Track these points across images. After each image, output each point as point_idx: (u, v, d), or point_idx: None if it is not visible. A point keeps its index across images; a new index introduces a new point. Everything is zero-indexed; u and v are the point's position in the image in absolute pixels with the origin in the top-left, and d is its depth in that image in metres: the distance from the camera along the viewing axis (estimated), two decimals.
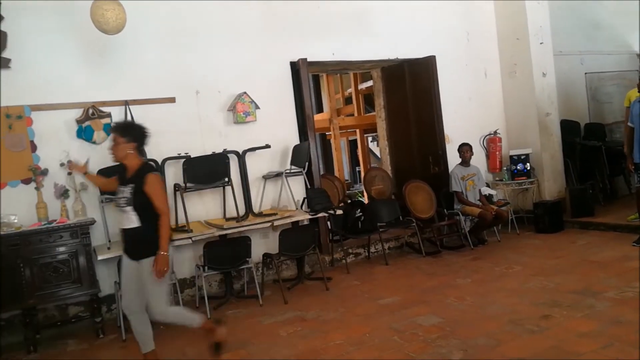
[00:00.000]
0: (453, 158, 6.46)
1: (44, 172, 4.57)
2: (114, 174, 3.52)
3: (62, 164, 4.62)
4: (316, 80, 11.60)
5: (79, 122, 4.72)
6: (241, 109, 5.37)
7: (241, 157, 5.37)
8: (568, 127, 7.24)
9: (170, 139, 5.06)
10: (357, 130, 11.05)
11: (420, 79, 6.51)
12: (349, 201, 7.36)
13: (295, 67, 5.73)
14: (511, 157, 6.84)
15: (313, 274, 5.52)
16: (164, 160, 4.99)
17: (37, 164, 4.57)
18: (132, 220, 3.17)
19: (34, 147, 4.59)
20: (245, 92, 5.39)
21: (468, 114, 6.89)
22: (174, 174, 5.05)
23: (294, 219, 5.17)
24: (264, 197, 5.57)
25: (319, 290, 4.99)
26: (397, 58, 6.49)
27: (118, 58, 4.92)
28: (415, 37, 6.53)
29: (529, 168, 6.76)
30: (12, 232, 4.13)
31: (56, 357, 4.02)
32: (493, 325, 3.63)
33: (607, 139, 7.71)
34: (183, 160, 4.91)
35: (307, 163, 5.52)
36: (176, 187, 4.98)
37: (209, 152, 5.19)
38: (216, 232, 4.74)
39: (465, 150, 6.29)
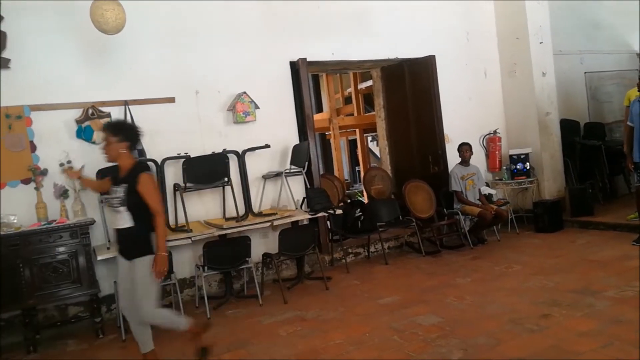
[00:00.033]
0: (453, 157, 6.46)
1: (44, 172, 4.57)
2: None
3: (61, 164, 4.62)
4: (316, 80, 11.60)
5: (78, 122, 4.72)
6: (241, 109, 5.37)
7: (241, 157, 5.37)
8: (568, 127, 7.24)
9: (170, 138, 5.06)
10: (357, 130, 11.05)
11: (419, 78, 6.51)
12: (349, 201, 7.36)
13: (294, 66, 5.73)
14: (511, 156, 6.84)
15: (313, 274, 5.52)
16: (164, 160, 4.99)
17: (36, 164, 4.57)
18: (125, 220, 3.16)
19: (33, 147, 4.59)
20: (244, 92, 5.39)
21: (468, 113, 6.89)
22: (173, 174, 5.05)
23: (293, 219, 5.18)
24: (263, 197, 5.57)
25: (319, 290, 4.99)
26: (397, 58, 6.49)
27: (118, 58, 4.92)
28: (415, 37, 6.53)
29: (528, 167, 6.77)
30: (12, 232, 4.13)
31: (56, 357, 4.02)
32: (493, 324, 3.63)
33: (607, 138, 7.71)
34: (183, 160, 4.92)
35: (306, 163, 5.52)
36: (176, 187, 4.98)
37: (209, 152, 5.19)
38: (216, 232, 4.74)
39: (464, 149, 6.29)
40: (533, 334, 3.40)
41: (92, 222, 4.46)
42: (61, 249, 4.24)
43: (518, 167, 6.78)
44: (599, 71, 8.01)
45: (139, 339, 3.29)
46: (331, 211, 5.46)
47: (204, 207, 5.26)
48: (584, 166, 7.27)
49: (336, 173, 10.19)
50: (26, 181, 4.53)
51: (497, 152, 6.96)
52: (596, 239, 5.76)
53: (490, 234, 6.34)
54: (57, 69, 4.68)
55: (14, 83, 4.50)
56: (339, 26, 6.07)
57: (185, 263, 5.08)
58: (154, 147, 4.97)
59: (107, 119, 4.80)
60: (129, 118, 4.88)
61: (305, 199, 5.57)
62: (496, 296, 4.23)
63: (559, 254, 5.34)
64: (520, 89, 6.97)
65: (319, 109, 11.90)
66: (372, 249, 6.12)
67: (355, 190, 10.21)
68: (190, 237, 4.58)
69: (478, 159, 6.77)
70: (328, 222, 5.87)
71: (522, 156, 6.79)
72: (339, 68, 6.88)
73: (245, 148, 5.38)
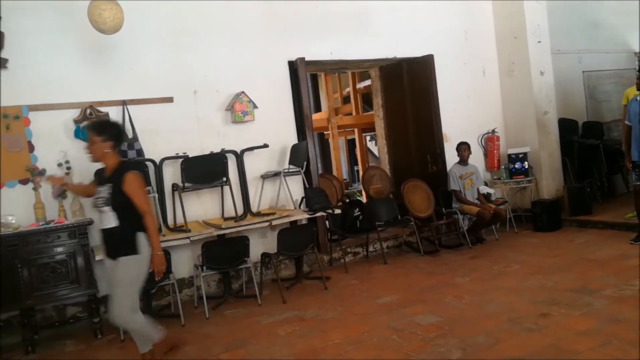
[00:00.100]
0: (451, 157, 6.46)
1: (42, 173, 4.55)
2: None
3: (59, 164, 4.61)
4: (314, 79, 11.59)
5: (76, 122, 4.71)
6: (239, 109, 5.37)
7: (239, 156, 5.36)
8: (566, 126, 7.25)
9: (168, 138, 5.06)
10: (356, 130, 11.04)
11: (418, 77, 6.51)
12: (348, 200, 7.36)
13: (293, 66, 5.72)
14: (509, 155, 6.85)
15: (311, 274, 5.52)
16: (162, 160, 4.98)
17: (34, 164, 4.56)
18: (110, 220, 3.11)
19: (31, 148, 4.58)
20: (243, 92, 5.38)
21: (466, 112, 6.90)
22: (172, 174, 5.05)
23: (292, 219, 5.17)
24: (262, 196, 5.57)
25: (318, 290, 4.99)
26: (395, 57, 6.49)
27: (117, 58, 4.91)
28: (414, 37, 6.53)
29: (527, 167, 6.77)
30: (10, 233, 4.12)
31: (54, 358, 4.01)
32: (491, 323, 3.63)
33: (605, 137, 7.73)
34: (181, 160, 4.91)
35: (305, 162, 5.52)
36: (174, 187, 4.98)
37: (207, 152, 5.18)
38: (214, 232, 4.73)
39: (463, 149, 6.29)
40: (531, 333, 3.40)
41: (91, 222, 4.45)
42: (59, 249, 4.23)
43: (516, 166, 6.79)
44: (597, 70, 8.01)
45: (138, 339, 3.28)
46: (330, 211, 5.45)
47: (202, 207, 5.26)
48: (582, 165, 7.27)
49: (335, 173, 10.19)
50: (24, 181, 4.53)
51: (495, 152, 6.96)
52: (594, 238, 5.77)
53: (489, 233, 6.34)
54: (55, 69, 4.68)
55: (11, 83, 4.49)
56: (340, 26, 6.07)
57: (184, 263, 5.08)
58: (152, 147, 4.97)
59: (111, 119, 4.80)
60: (127, 118, 4.88)
61: (304, 199, 5.56)
62: (495, 295, 4.24)
63: (558, 253, 5.35)
64: (518, 88, 6.98)
65: (318, 109, 11.89)
66: (370, 248, 6.12)
67: (354, 190, 10.20)
68: (188, 237, 4.57)
69: (476, 158, 6.78)
70: (327, 222, 5.87)
71: (521, 155, 6.79)
72: (337, 67, 6.88)
73: (244, 148, 5.38)
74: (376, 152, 9.47)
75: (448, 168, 6.41)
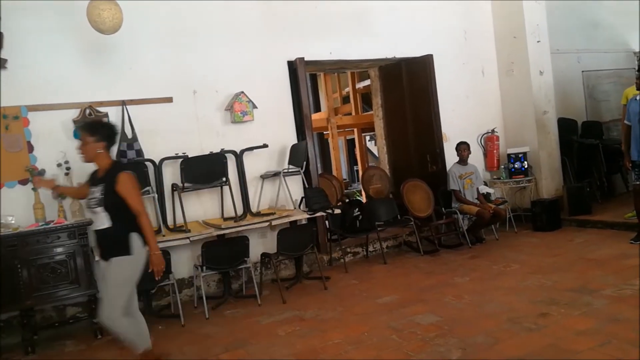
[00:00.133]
0: (451, 156, 6.47)
1: (41, 173, 4.55)
2: None
3: (59, 165, 4.61)
4: (314, 79, 11.59)
5: (76, 122, 4.70)
6: (238, 109, 5.36)
7: (239, 156, 5.36)
8: (565, 125, 7.25)
9: (168, 138, 5.06)
10: (355, 130, 11.04)
11: (417, 77, 6.51)
12: (347, 200, 7.36)
13: (292, 66, 5.72)
14: (509, 155, 6.85)
15: (311, 274, 5.52)
16: (162, 160, 4.98)
17: (34, 164, 4.56)
18: (103, 220, 3.09)
19: (30, 148, 4.58)
20: (242, 92, 5.38)
21: (465, 112, 6.90)
22: (171, 174, 5.05)
23: (292, 219, 5.17)
24: (261, 196, 5.57)
25: (317, 290, 4.99)
26: (395, 57, 6.49)
27: (116, 58, 4.91)
28: (413, 37, 6.53)
29: (526, 166, 6.77)
30: (10, 233, 4.11)
31: (54, 358, 4.01)
32: (491, 323, 3.63)
33: (605, 136, 7.73)
34: (180, 160, 4.91)
35: (304, 162, 5.52)
36: (174, 187, 4.98)
37: (207, 152, 5.18)
38: (214, 232, 4.73)
39: (462, 148, 6.29)
40: (531, 332, 3.40)
41: (90, 222, 4.40)
42: (59, 249, 4.23)
43: (516, 166, 6.79)
44: (597, 70, 8.02)
45: (137, 339, 3.26)
46: (329, 211, 5.46)
47: (202, 207, 5.26)
48: (581, 165, 7.27)
49: (334, 172, 10.19)
50: (24, 182, 4.53)
51: (495, 151, 6.96)
52: (594, 238, 5.77)
53: (489, 233, 6.35)
54: (55, 69, 4.67)
55: (10, 83, 4.48)
56: (339, 26, 6.08)
57: (184, 263, 5.08)
58: (152, 147, 4.97)
59: (104, 119, 4.80)
60: (126, 118, 4.88)
61: (304, 199, 5.56)
62: (494, 295, 4.24)
63: (557, 252, 5.35)
64: (517, 87, 6.98)
65: (317, 109, 11.89)
66: (370, 248, 6.12)
67: (354, 190, 10.21)
68: (188, 237, 4.57)
69: (476, 157, 6.78)
70: (326, 222, 5.87)
71: (520, 155, 6.79)
72: (336, 67, 6.88)
73: (243, 148, 5.38)
74: (376, 152, 9.47)
75: (447, 168, 6.41)
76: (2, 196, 4.44)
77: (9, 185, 4.49)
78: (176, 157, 4.99)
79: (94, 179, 3.22)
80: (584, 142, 7.31)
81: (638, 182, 5.18)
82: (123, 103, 4.90)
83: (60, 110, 4.67)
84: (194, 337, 4.06)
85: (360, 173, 9.52)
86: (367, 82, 8.82)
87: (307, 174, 5.65)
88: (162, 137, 5.04)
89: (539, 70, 6.84)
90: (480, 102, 7.05)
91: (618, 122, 7.18)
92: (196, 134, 5.26)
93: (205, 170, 4.98)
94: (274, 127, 5.63)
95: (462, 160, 6.31)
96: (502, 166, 6.92)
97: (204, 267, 4.62)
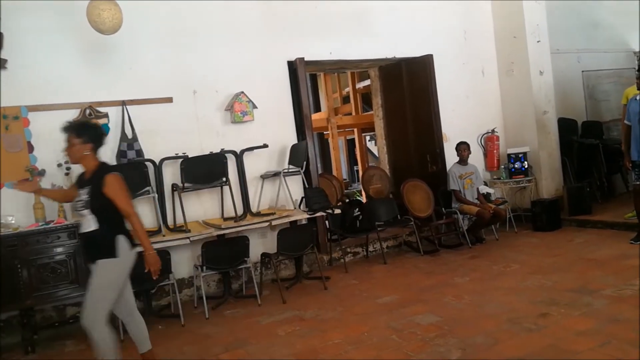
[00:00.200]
0: (451, 156, 6.46)
1: (41, 173, 4.56)
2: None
3: (59, 165, 4.61)
4: (314, 79, 11.59)
5: None
6: (239, 109, 5.36)
7: (239, 156, 5.36)
8: (565, 125, 7.25)
9: (168, 138, 5.06)
10: (355, 130, 11.05)
11: (417, 77, 6.51)
12: (347, 200, 7.36)
13: (292, 66, 5.72)
14: (509, 155, 6.85)
15: (311, 274, 5.52)
16: (162, 160, 4.98)
17: (34, 164, 4.56)
18: (89, 223, 3.03)
19: (31, 148, 4.58)
20: (242, 92, 5.38)
21: (465, 112, 6.90)
22: (171, 174, 5.05)
23: (292, 219, 5.17)
24: (261, 196, 5.57)
25: (317, 290, 4.99)
26: (395, 57, 6.49)
27: (116, 58, 4.91)
28: (413, 37, 6.53)
29: (526, 166, 6.77)
30: (10, 233, 4.11)
31: (54, 358, 4.02)
32: (491, 323, 3.63)
33: (605, 136, 7.72)
34: (180, 160, 4.91)
35: (305, 162, 5.52)
36: (174, 187, 4.98)
37: (207, 152, 5.18)
38: (214, 232, 4.73)
39: (462, 148, 6.29)
40: (531, 333, 3.40)
41: None
42: (59, 249, 4.23)
43: (516, 166, 6.79)
44: (597, 70, 8.02)
45: (137, 339, 3.28)
46: (329, 211, 5.46)
47: (202, 207, 5.26)
48: (581, 165, 7.27)
49: (334, 172, 10.19)
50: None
51: (495, 151, 6.96)
52: (594, 238, 5.77)
53: (489, 233, 6.35)
54: (55, 69, 4.68)
55: (11, 83, 4.49)
56: (339, 26, 6.08)
57: (184, 263, 5.08)
58: (152, 147, 4.97)
59: (104, 119, 4.80)
60: (126, 118, 4.88)
61: (304, 199, 5.56)
62: (494, 295, 4.24)
63: (557, 252, 5.35)
64: (517, 87, 6.98)
65: (317, 109, 11.89)
66: (370, 248, 6.12)
67: (354, 190, 10.21)
68: (188, 237, 4.57)
69: (476, 158, 6.78)
70: (326, 222, 5.87)
71: (520, 155, 6.79)
72: (336, 67, 6.88)
73: (243, 148, 5.38)
74: (376, 152, 9.47)
75: (448, 168, 6.41)
76: (2, 196, 4.44)
77: (9, 185, 4.48)
78: (176, 157, 4.99)
79: (81, 181, 3.17)
80: (584, 142, 7.31)
81: (638, 182, 5.18)
82: (123, 103, 4.91)
83: (60, 110, 4.66)
84: (193, 337, 4.06)
85: (360, 173, 9.53)
86: (367, 82, 8.83)
87: (307, 174, 5.65)
88: (162, 137, 5.04)
89: (539, 70, 6.84)
90: (480, 102, 7.05)
91: (618, 122, 7.18)
92: (196, 134, 5.26)
93: (205, 170, 4.98)
94: (274, 127, 5.63)
95: (462, 160, 6.31)
96: (502, 166, 6.92)
97: (204, 267, 4.62)
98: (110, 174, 3.05)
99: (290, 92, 5.78)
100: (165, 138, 5.05)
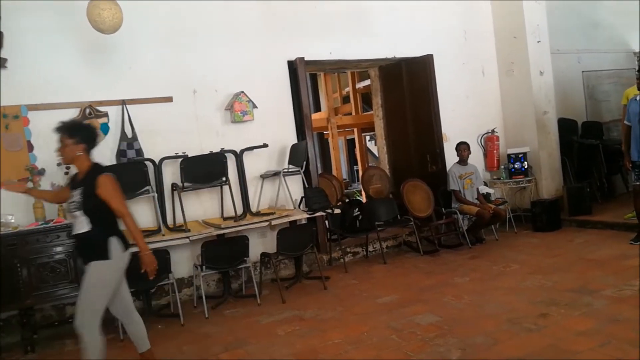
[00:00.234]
0: (451, 157, 6.46)
1: (41, 172, 4.56)
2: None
3: (59, 164, 4.59)
4: (314, 79, 11.60)
5: None
6: (238, 108, 5.36)
7: (239, 156, 5.36)
8: (565, 126, 7.25)
9: (168, 138, 5.06)
10: (355, 129, 11.05)
11: (417, 77, 6.51)
12: (347, 200, 7.36)
13: (292, 66, 5.72)
14: (509, 155, 6.85)
15: (311, 273, 5.52)
16: (161, 160, 4.98)
17: (34, 163, 4.56)
18: (82, 224, 3.00)
19: (30, 147, 4.58)
20: (242, 91, 5.38)
21: (465, 112, 6.90)
22: (171, 174, 5.05)
23: (291, 218, 5.17)
24: (261, 196, 5.57)
25: (317, 290, 4.99)
26: (395, 57, 6.49)
27: (116, 58, 4.91)
28: (413, 37, 6.53)
29: (526, 166, 6.77)
30: (9, 232, 4.11)
31: (54, 357, 4.02)
32: (491, 323, 3.63)
33: (605, 137, 7.73)
34: (180, 159, 4.91)
35: (304, 162, 5.52)
36: (174, 186, 4.98)
37: (207, 152, 5.18)
38: (214, 232, 4.73)
39: (462, 148, 6.29)
40: (531, 333, 3.40)
41: None
42: (58, 248, 4.22)
43: (516, 166, 6.79)
44: (597, 70, 8.02)
45: (135, 339, 3.28)
46: (329, 210, 5.46)
47: (201, 207, 5.26)
48: (581, 165, 7.27)
49: (334, 172, 10.19)
50: (23, 181, 4.51)
51: (495, 151, 6.96)
52: (594, 238, 5.77)
53: (488, 233, 6.34)
54: (55, 69, 4.67)
55: (11, 82, 4.48)
56: (339, 26, 6.08)
57: (184, 263, 5.08)
58: (152, 146, 4.97)
59: (104, 119, 4.80)
60: (126, 118, 4.88)
61: (304, 199, 5.56)
62: (494, 295, 4.24)
63: (557, 253, 5.35)
64: (517, 87, 6.98)
65: (317, 109, 11.89)
66: (370, 248, 6.12)
67: (354, 190, 10.21)
68: (188, 237, 4.57)
69: (476, 158, 6.78)
70: (326, 222, 5.87)
71: (520, 155, 6.79)
72: (336, 67, 6.88)
73: (243, 147, 5.37)
74: (376, 152, 9.47)
75: (447, 168, 6.41)
76: (2, 195, 4.44)
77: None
78: (176, 157, 4.99)
79: (74, 182, 3.15)
80: (584, 142, 7.31)
81: (638, 183, 5.18)
82: (123, 103, 4.91)
83: (60, 109, 4.65)
84: (193, 336, 4.06)
85: (360, 173, 9.53)
86: (367, 82, 8.82)
87: (307, 174, 5.64)
88: (162, 137, 5.04)
89: (539, 71, 6.84)
90: (480, 102, 7.05)
91: (618, 122, 7.18)
92: (196, 133, 5.26)
93: (205, 170, 4.98)
94: (274, 127, 5.63)
95: (462, 161, 6.31)
96: (502, 166, 6.92)
97: (204, 267, 4.62)
98: (103, 174, 3.03)
99: (290, 91, 5.77)
100: (165, 137, 5.05)
